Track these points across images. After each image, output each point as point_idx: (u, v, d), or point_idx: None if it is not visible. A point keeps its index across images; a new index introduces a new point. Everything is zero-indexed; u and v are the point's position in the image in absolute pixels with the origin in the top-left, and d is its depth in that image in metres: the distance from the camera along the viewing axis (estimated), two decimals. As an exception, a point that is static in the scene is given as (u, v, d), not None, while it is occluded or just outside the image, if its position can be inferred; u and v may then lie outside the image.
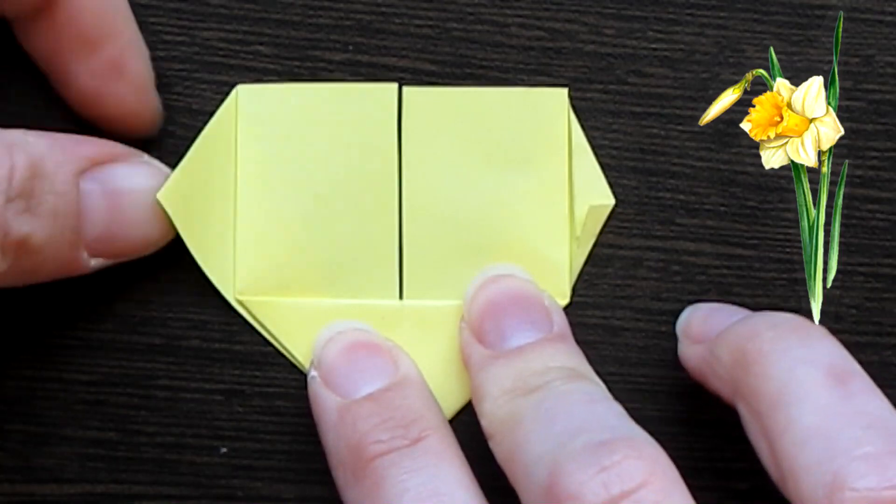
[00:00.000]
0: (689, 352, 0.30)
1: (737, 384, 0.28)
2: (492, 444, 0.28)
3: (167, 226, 0.31)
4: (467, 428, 0.30)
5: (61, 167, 0.28)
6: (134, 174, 0.30)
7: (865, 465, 0.24)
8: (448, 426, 0.29)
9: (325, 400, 0.29)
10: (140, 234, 0.30)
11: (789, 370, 0.26)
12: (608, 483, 0.24)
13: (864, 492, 0.24)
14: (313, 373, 0.30)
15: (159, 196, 0.30)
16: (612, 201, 0.32)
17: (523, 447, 0.26)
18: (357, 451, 0.28)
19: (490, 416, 0.28)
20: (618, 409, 0.27)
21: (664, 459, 0.25)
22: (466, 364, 0.30)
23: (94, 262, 0.30)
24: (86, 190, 0.29)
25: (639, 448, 0.25)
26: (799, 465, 0.25)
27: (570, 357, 0.29)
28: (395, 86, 0.32)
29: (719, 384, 0.29)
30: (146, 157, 0.31)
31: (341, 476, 0.28)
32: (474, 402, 0.29)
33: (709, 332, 0.30)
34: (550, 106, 0.32)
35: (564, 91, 0.32)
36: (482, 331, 0.30)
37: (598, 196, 0.32)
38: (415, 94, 0.32)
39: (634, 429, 0.26)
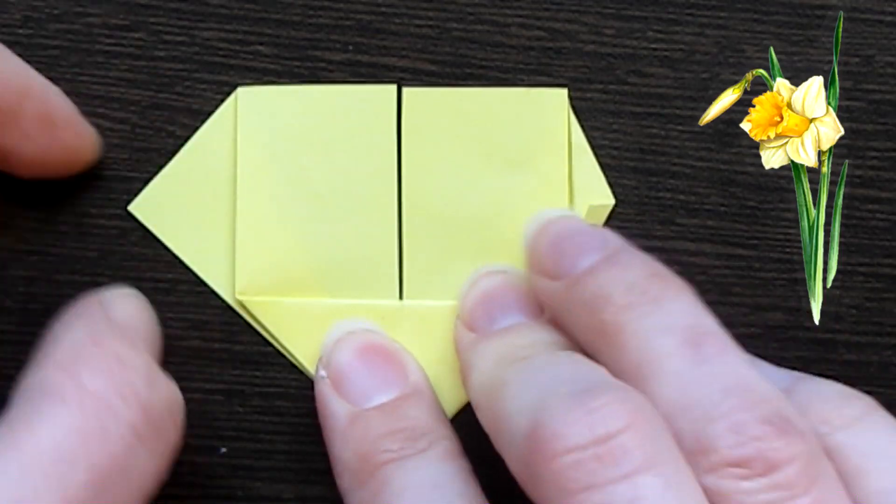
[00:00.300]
0: (542, 286, 0.29)
1: (595, 348, 0.27)
2: (479, 414, 0.28)
3: None
4: (467, 428, 0.30)
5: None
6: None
7: (724, 425, 0.24)
8: (455, 436, 0.29)
9: (335, 406, 0.29)
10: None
11: (645, 341, 0.26)
12: (593, 424, 0.24)
13: (724, 452, 0.24)
14: (322, 372, 0.30)
15: (130, 208, 0.31)
16: (611, 201, 0.32)
17: (506, 403, 0.26)
18: (365, 459, 0.28)
19: (477, 387, 0.28)
20: (603, 370, 0.27)
21: (649, 407, 0.25)
22: (457, 351, 0.30)
23: None
24: None
25: (624, 393, 0.25)
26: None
27: (558, 335, 0.29)
28: (394, 87, 0.32)
29: (574, 334, 0.28)
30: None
31: (346, 480, 0.28)
32: (462, 380, 0.29)
33: (561, 268, 0.29)
34: (550, 106, 0.32)
35: (564, 91, 0.32)
36: (473, 319, 0.30)
37: (598, 196, 0.32)
38: (415, 95, 0.32)
39: (619, 382, 0.26)
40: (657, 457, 0.24)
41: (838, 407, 0.27)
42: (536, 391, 0.26)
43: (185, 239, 0.31)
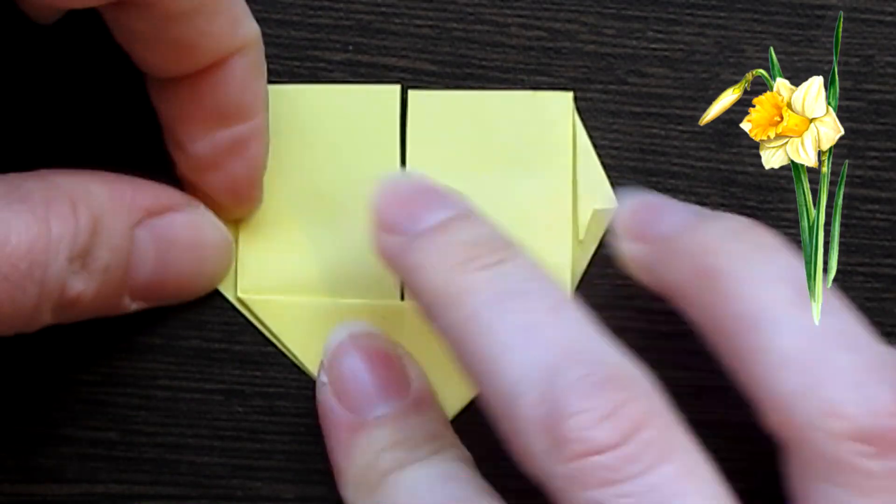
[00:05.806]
0: (633, 250, 0.29)
1: (695, 298, 0.27)
2: (435, 321, 0.27)
3: (215, 277, 0.31)
4: (469, 427, 0.30)
5: (119, 220, 0.28)
6: (186, 225, 0.30)
7: (854, 393, 0.25)
8: (459, 442, 0.29)
9: (338, 416, 0.29)
10: (184, 284, 0.30)
11: (758, 289, 0.26)
12: (616, 425, 0.24)
13: (853, 419, 0.25)
14: (323, 378, 0.30)
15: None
16: (615, 206, 0.32)
17: (497, 359, 0.25)
18: (369, 470, 0.28)
19: (431, 290, 0.27)
20: (581, 316, 0.26)
21: (658, 395, 0.25)
22: (384, 257, 0.28)
23: (135, 306, 0.30)
24: (138, 237, 0.28)
25: (638, 383, 0.25)
26: (783, 391, 0.25)
27: (486, 227, 0.28)
28: (397, 87, 0.32)
29: (668, 289, 0.28)
30: (202, 207, 0.30)
31: (351, 492, 0.28)
32: (408, 284, 0.28)
33: (653, 230, 0.29)
34: (556, 109, 0.32)
35: (569, 94, 0.32)
36: (393, 223, 0.28)
37: (602, 200, 0.32)
38: (420, 98, 0.32)
39: (617, 354, 0.26)
40: (672, 447, 0.24)
41: None
42: (538, 365, 0.25)
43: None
